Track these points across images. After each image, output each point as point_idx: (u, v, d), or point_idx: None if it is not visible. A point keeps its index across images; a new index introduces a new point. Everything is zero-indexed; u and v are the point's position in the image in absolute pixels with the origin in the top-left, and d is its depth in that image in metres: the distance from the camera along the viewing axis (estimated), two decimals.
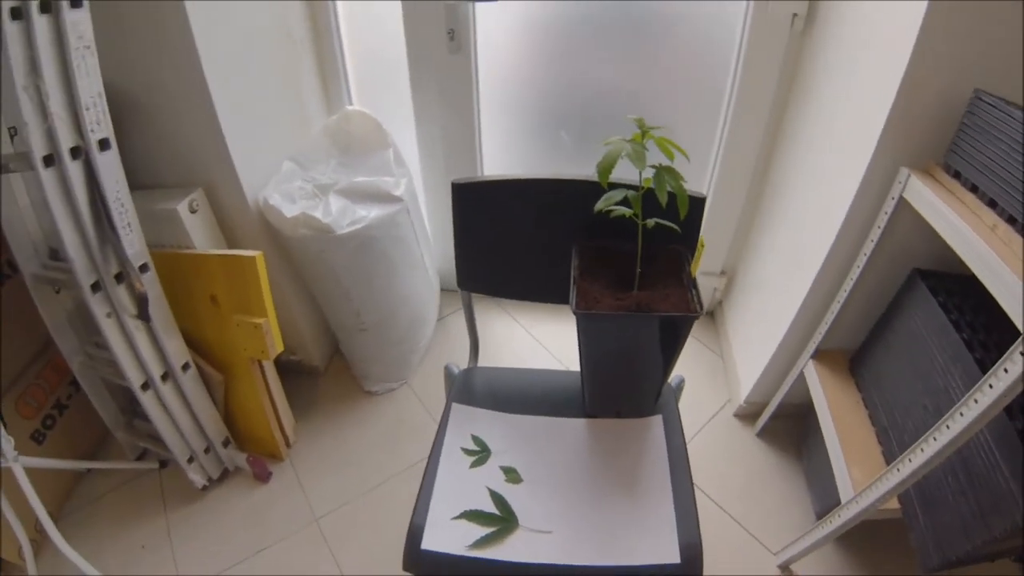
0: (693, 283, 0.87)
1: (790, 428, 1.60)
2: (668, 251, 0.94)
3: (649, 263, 0.93)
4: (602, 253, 0.93)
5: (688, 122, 1.59)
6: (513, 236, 1.01)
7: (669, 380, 1.09)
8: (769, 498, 1.47)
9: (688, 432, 1.59)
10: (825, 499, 1.37)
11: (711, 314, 2.02)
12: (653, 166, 0.80)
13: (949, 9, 0.89)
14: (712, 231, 1.77)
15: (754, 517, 1.43)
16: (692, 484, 0.92)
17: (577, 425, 0.98)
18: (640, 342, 0.87)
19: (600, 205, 0.79)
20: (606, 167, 0.75)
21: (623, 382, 0.97)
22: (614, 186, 0.81)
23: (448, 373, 1.09)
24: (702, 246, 0.89)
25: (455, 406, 1.00)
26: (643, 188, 0.80)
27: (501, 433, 0.97)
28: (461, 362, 1.19)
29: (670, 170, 0.80)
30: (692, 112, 1.57)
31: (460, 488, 0.91)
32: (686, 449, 0.96)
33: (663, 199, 0.76)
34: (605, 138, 0.77)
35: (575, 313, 0.79)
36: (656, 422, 0.99)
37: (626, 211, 0.80)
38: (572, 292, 0.83)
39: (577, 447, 0.95)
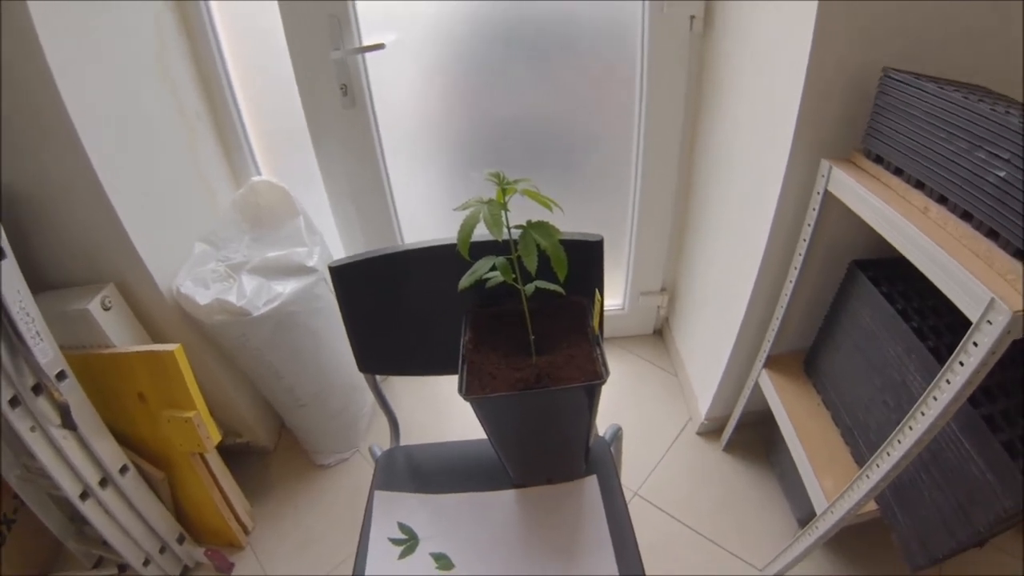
0: (597, 340, 0.81)
1: (757, 436, 1.55)
2: (571, 303, 0.88)
3: (551, 319, 0.87)
4: (498, 318, 0.88)
5: (604, 138, 1.54)
6: (404, 310, 0.95)
7: (602, 434, 1.04)
8: (746, 513, 1.42)
9: (652, 458, 1.54)
10: (804, 504, 1.33)
11: (659, 332, 1.96)
12: (520, 226, 0.74)
13: None
14: (645, 248, 1.72)
15: (733, 535, 1.38)
16: (636, 545, 0.86)
17: (506, 498, 0.92)
18: (546, 414, 0.81)
19: (464, 283, 0.73)
20: (463, 239, 0.69)
21: (542, 451, 0.91)
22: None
23: (372, 455, 1.03)
24: (598, 301, 0.82)
25: (378, 494, 0.95)
26: (515, 254, 0.74)
27: (428, 517, 0.91)
28: (404, 427, 1.14)
29: (541, 225, 0.73)
30: (607, 128, 1.53)
31: None
32: (626, 508, 0.90)
33: (531, 264, 0.70)
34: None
35: (464, 399, 0.73)
36: (590, 483, 0.93)
37: (497, 278, 0.74)
38: (461, 372, 0.77)
39: (508, 522, 0.89)
